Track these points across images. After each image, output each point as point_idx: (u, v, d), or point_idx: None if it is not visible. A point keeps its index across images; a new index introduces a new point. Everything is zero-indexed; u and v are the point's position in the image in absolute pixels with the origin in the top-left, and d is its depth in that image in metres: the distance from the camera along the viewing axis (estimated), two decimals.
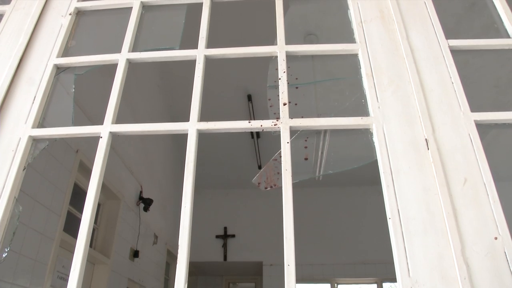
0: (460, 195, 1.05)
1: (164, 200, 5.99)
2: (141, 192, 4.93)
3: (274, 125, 1.15)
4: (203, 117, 1.21)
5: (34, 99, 1.33)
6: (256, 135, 5.96)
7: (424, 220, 1.02)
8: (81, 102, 3.08)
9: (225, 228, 7.28)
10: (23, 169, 1.21)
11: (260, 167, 6.65)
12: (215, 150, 6.19)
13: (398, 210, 1.03)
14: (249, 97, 5.49)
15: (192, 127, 1.16)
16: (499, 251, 0.99)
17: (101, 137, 1.19)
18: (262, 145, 6.22)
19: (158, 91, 5.54)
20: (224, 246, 7.14)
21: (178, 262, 0.98)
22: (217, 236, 7.24)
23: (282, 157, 1.09)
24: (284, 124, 1.15)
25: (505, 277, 0.96)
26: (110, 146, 1.19)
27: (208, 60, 1.41)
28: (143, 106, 4.96)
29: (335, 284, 7.16)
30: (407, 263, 0.97)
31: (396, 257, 0.98)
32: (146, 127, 1.20)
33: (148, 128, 1.20)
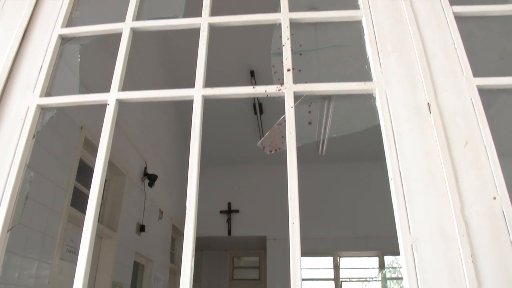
0: (460, 157, 1.08)
1: (169, 176, 6.05)
2: (145, 168, 4.98)
3: (278, 90, 1.17)
4: None
5: (40, 69, 1.35)
6: (259, 111, 5.97)
7: (425, 181, 1.05)
8: (83, 80, 3.09)
9: (229, 204, 7.38)
10: (33, 137, 1.24)
11: None
12: (218, 126, 6.22)
13: (399, 171, 1.06)
14: (252, 73, 5.48)
15: (197, 93, 1.18)
16: (497, 210, 1.02)
17: (108, 104, 1.21)
18: (265, 121, 6.23)
19: (160, 68, 5.53)
20: (228, 221, 7.25)
21: (186, 222, 1.02)
22: (221, 212, 7.34)
23: (286, 121, 1.11)
24: (288, 89, 1.17)
25: (502, 235, 0.99)
26: (117, 114, 1.22)
27: (212, 30, 1.41)
28: (146, 83, 4.96)
29: (338, 257, 7.29)
30: (408, 222, 1.00)
31: (397, 215, 1.01)
32: (152, 94, 1.22)
33: (154, 94, 1.22)
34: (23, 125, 1.23)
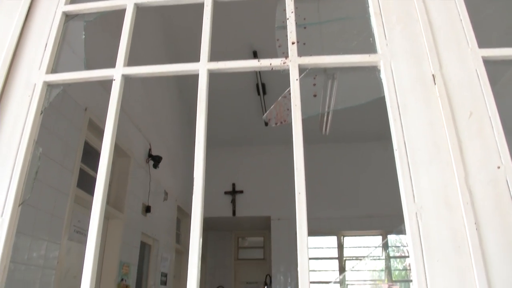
0: (465, 128, 1.08)
1: (173, 158, 6.09)
2: (150, 149, 5.01)
3: (283, 63, 1.17)
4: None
5: (45, 47, 1.35)
6: (262, 92, 5.96)
7: (429, 151, 1.06)
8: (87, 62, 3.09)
9: (233, 185, 7.43)
10: (40, 113, 1.25)
11: (266, 124, 6.68)
12: (221, 107, 6.22)
13: (404, 142, 1.07)
14: (255, 54, 5.45)
15: (202, 67, 1.19)
16: (501, 179, 1.03)
17: (114, 80, 1.22)
18: (268, 101, 6.23)
19: (162, 46, 5.50)
20: (233, 202, 7.32)
21: (194, 195, 1.04)
22: (226, 193, 7.40)
23: (291, 94, 1.12)
24: (293, 62, 1.17)
25: (506, 203, 1.00)
26: (123, 89, 1.23)
27: (215, 6, 1.40)
28: (148, 62, 4.94)
29: (341, 237, 7.37)
30: (413, 191, 1.01)
31: (402, 185, 1.02)
32: (158, 68, 1.23)
33: (160, 69, 1.23)
34: (30, 102, 1.25)
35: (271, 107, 1.17)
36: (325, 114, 5.20)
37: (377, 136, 6.76)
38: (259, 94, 6.07)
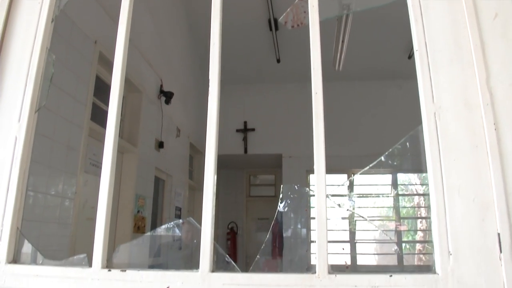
0: (489, 29, 1.04)
1: (185, 95, 6.07)
2: (161, 85, 4.98)
3: None
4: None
5: None
6: (274, 27, 5.78)
7: (450, 51, 1.02)
8: None
9: (245, 122, 7.43)
10: (51, 21, 1.23)
11: (278, 61, 6.56)
12: (233, 44, 6.08)
13: (425, 42, 1.03)
14: None
15: None
16: None
17: None
18: (280, 37, 6.06)
19: None
20: (245, 139, 7.36)
21: (208, 129, 1.03)
22: (238, 130, 7.41)
23: None
24: None
25: None
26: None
27: None
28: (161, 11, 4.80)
29: (351, 174, 7.46)
30: (432, 91, 1.00)
31: (421, 85, 1.00)
32: None
33: None
34: (40, 9, 1.22)
35: (288, 9, 1.13)
36: (339, 49, 5.06)
37: (391, 75, 6.63)
38: (271, 30, 5.90)
